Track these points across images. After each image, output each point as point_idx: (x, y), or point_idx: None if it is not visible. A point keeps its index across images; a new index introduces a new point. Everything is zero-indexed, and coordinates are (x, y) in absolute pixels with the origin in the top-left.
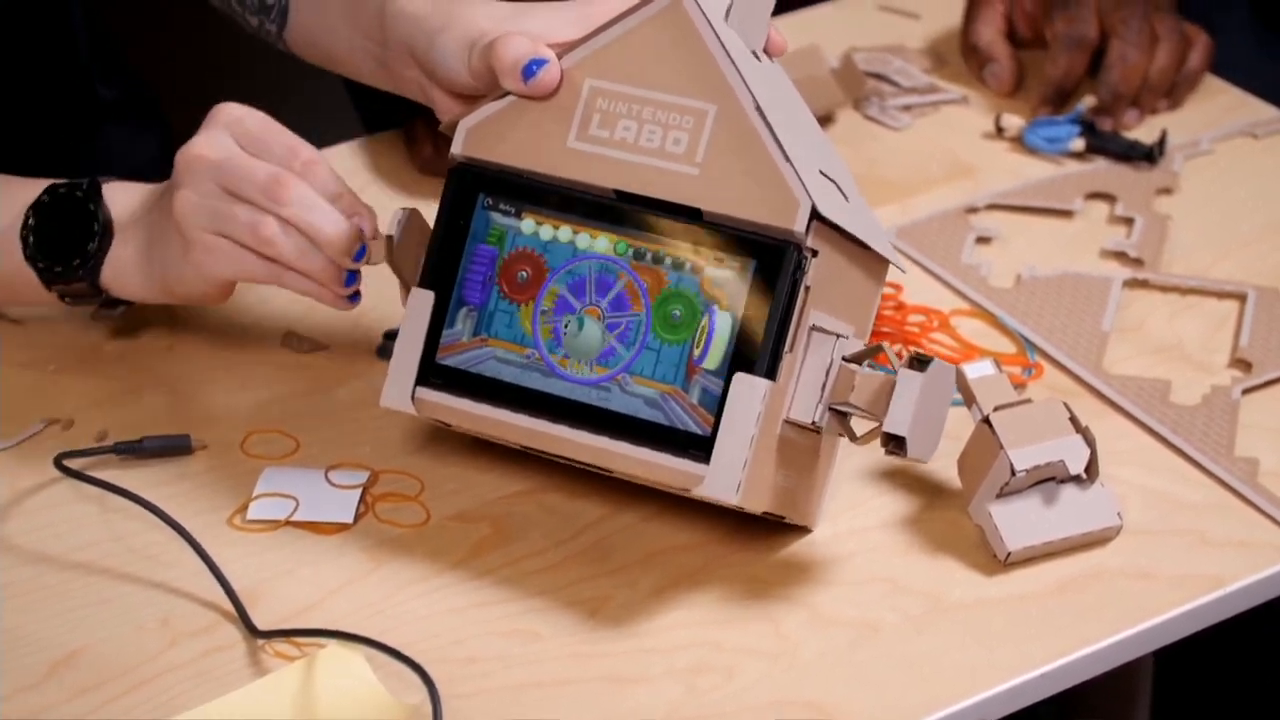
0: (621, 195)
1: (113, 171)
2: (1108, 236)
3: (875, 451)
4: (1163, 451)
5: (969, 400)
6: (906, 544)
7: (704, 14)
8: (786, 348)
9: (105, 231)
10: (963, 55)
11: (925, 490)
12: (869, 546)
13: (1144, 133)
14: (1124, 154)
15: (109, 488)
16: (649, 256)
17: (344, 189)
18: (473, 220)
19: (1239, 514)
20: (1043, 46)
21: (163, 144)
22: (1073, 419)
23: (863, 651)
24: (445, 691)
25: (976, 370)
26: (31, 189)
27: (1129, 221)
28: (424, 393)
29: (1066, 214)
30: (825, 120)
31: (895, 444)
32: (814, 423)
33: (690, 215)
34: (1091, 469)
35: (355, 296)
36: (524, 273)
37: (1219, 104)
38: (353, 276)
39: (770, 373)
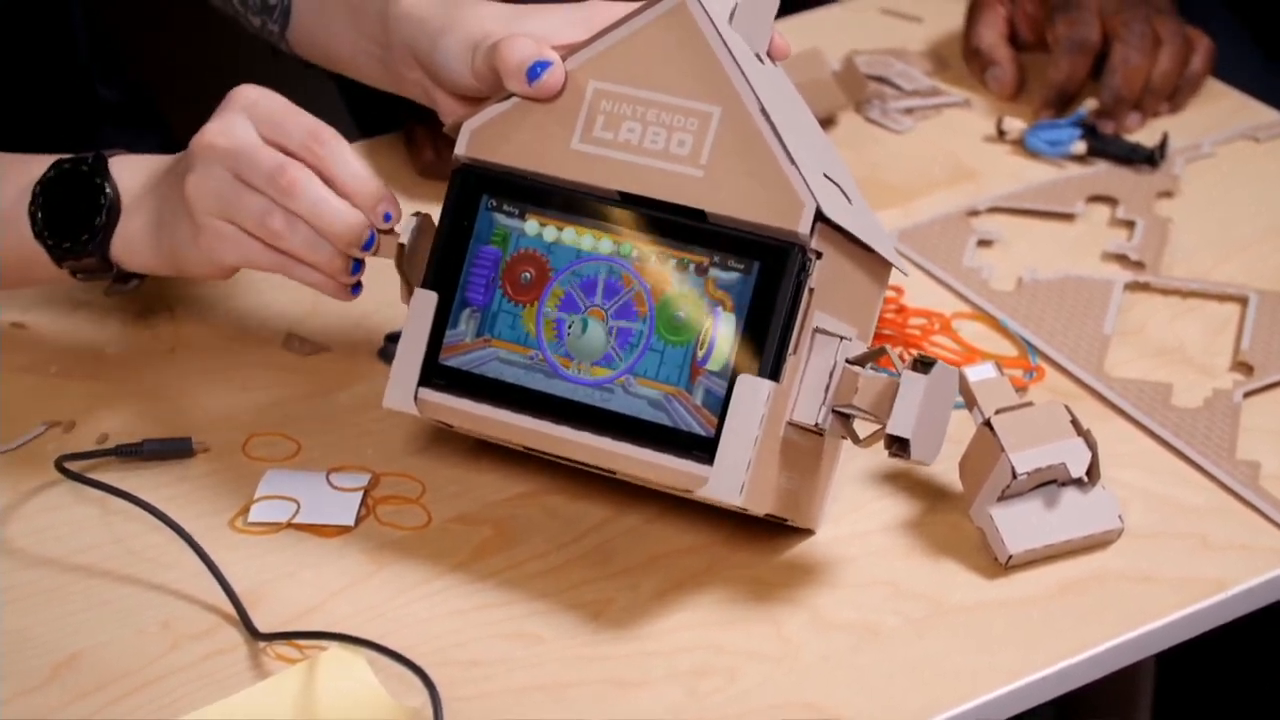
0: (625, 197)
1: None
2: (1109, 239)
3: (877, 454)
4: (1164, 454)
5: (970, 403)
6: (908, 547)
7: (708, 16)
8: (790, 349)
9: (113, 205)
10: (964, 58)
11: (927, 493)
12: (871, 549)
13: (1145, 136)
14: (1125, 157)
15: (110, 490)
16: (653, 258)
17: (365, 170)
18: (476, 221)
19: (1240, 517)
20: (1045, 50)
21: (163, 146)
22: (1074, 422)
23: (864, 654)
24: (446, 694)
25: (978, 373)
26: (37, 165)
27: (1130, 224)
28: (426, 393)
29: (1068, 217)
30: (827, 123)
31: (898, 446)
32: (817, 425)
33: (694, 217)
34: (1093, 472)
35: (357, 288)
36: (528, 274)
37: (1220, 107)
38: (358, 265)
39: (774, 374)
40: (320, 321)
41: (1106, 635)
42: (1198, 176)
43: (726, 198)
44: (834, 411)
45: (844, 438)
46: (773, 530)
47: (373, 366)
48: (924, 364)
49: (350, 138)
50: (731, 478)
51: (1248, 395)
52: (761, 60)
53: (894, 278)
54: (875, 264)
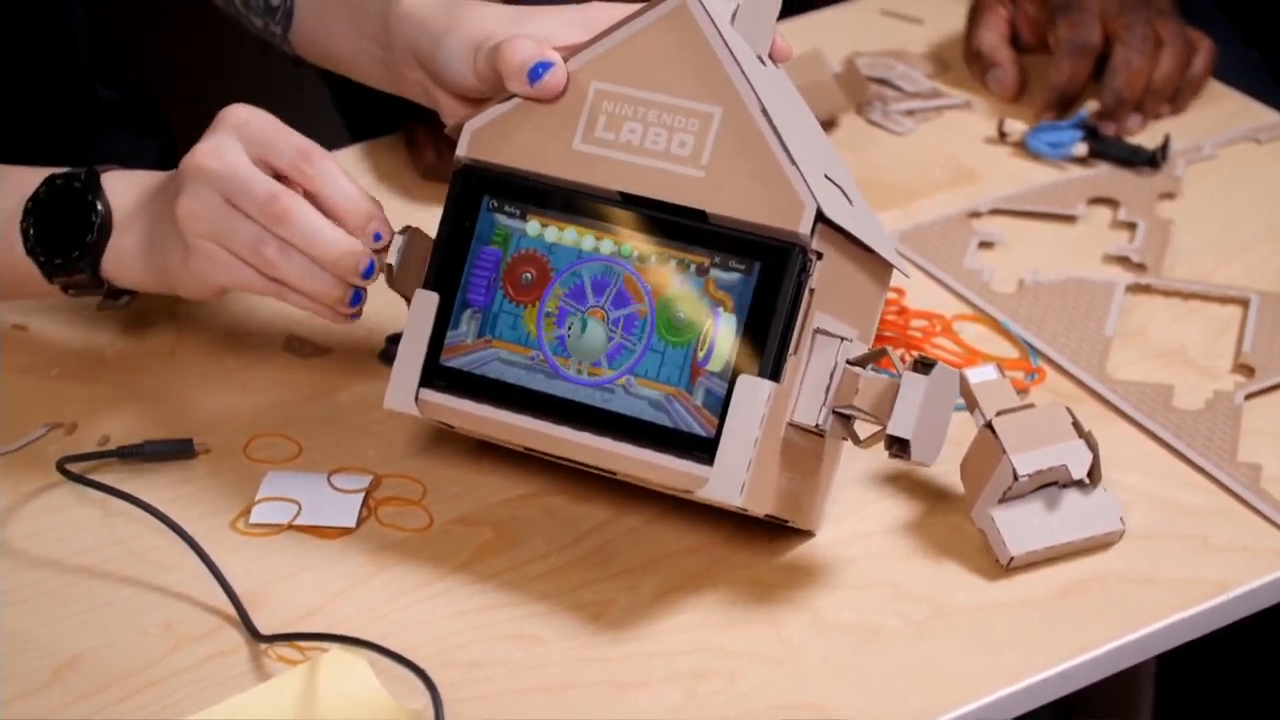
0: (627, 197)
1: None
2: (1110, 241)
3: (878, 455)
4: (1165, 456)
5: (972, 405)
6: (909, 548)
7: (710, 17)
8: (791, 350)
9: (104, 223)
10: (966, 60)
11: (928, 495)
12: (871, 551)
13: (1147, 138)
14: (1127, 159)
15: (111, 492)
16: (654, 258)
17: (358, 192)
18: (478, 222)
19: (1242, 519)
20: (1046, 51)
21: (163, 148)
22: (1075, 424)
23: (865, 656)
24: (447, 696)
25: (979, 375)
26: (31, 179)
27: (1132, 226)
28: (427, 394)
29: (1069, 219)
30: (828, 125)
31: (899, 447)
32: (818, 425)
33: (695, 217)
34: (1094, 474)
35: (356, 315)
36: (528, 274)
37: (1222, 109)
38: (358, 295)
39: (775, 375)
40: (321, 323)
41: (1108, 637)
42: (1199, 178)
43: (727, 198)
44: (834, 412)
45: (844, 439)
46: (773, 531)
47: (374, 368)
48: (925, 365)
49: (342, 141)
50: (732, 478)
51: (1249, 397)
52: (763, 62)
53: (895, 279)
54: (876, 265)
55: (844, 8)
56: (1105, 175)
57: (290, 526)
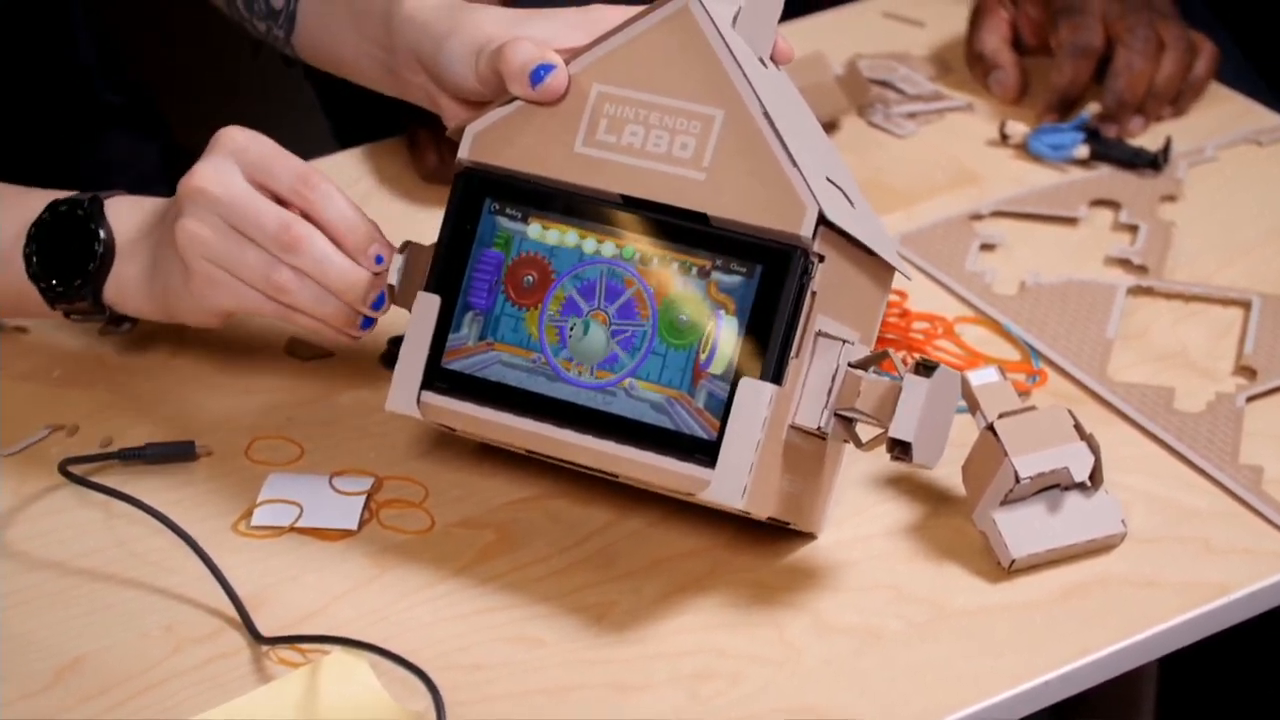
0: (628, 200)
1: (115, 178)
2: (1112, 243)
3: (879, 458)
4: (1167, 459)
5: (973, 407)
6: (911, 551)
7: (711, 20)
8: (793, 353)
9: (107, 251)
10: (967, 62)
11: (929, 497)
12: (873, 553)
13: (1149, 140)
14: (1128, 161)
15: (113, 494)
16: (655, 261)
17: (357, 215)
18: (479, 225)
19: (1243, 521)
20: (1048, 54)
21: (165, 151)
22: (1077, 426)
23: (867, 658)
24: (449, 698)
25: (981, 377)
26: (36, 201)
27: (1133, 229)
28: (429, 397)
29: (1071, 221)
30: (830, 127)
31: (901, 449)
32: (819, 428)
33: (697, 220)
34: (1096, 476)
35: (364, 334)
36: (530, 277)
37: (1224, 111)
38: (368, 321)
39: (777, 378)
40: None
41: (1109, 639)
42: (1201, 180)
43: (729, 201)
44: (836, 415)
45: (846, 441)
46: (775, 534)
47: (376, 371)
48: (926, 367)
49: (327, 147)
50: (734, 481)
51: (1251, 399)
52: (765, 64)
53: (897, 281)
54: (878, 268)
55: (846, 10)
56: (1107, 177)
57: (292, 529)
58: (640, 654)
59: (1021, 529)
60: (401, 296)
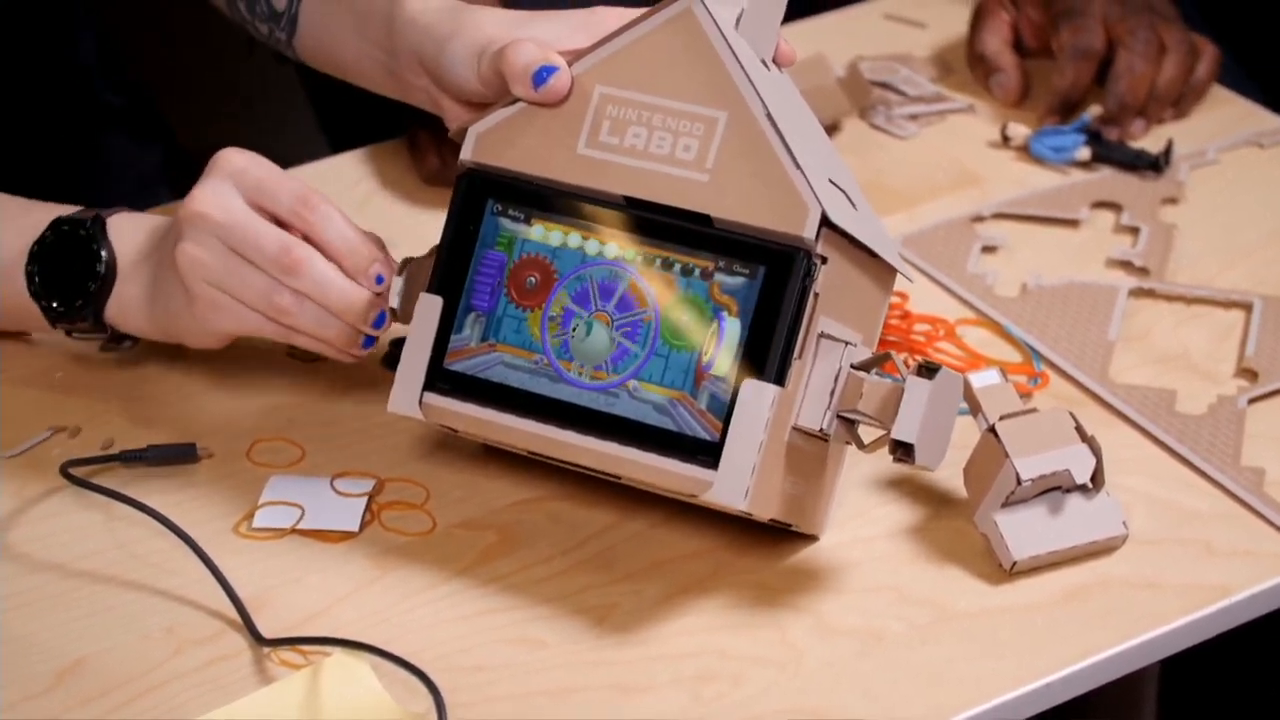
0: (631, 201)
1: (115, 179)
2: (1113, 246)
3: (881, 460)
4: (1168, 461)
5: (975, 409)
6: (912, 553)
7: (715, 21)
8: (795, 354)
9: (109, 272)
10: (969, 64)
11: (931, 499)
12: (875, 555)
13: (1150, 142)
14: (1130, 163)
15: (115, 496)
16: (658, 262)
17: (358, 235)
18: (482, 226)
19: (1245, 523)
20: (1049, 56)
21: (165, 152)
22: (1078, 428)
23: (869, 660)
24: (450, 700)
25: (982, 379)
26: (39, 216)
27: (1135, 231)
28: (431, 398)
29: (1072, 223)
30: (832, 129)
31: (903, 451)
32: (822, 430)
33: (700, 222)
34: (1097, 478)
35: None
36: (533, 278)
37: (1225, 114)
38: (370, 339)
39: (779, 379)
40: None
41: (1111, 641)
42: (1202, 183)
43: (732, 203)
44: (839, 417)
45: (848, 443)
46: (777, 536)
47: (377, 372)
48: (928, 369)
49: (318, 151)
50: (736, 483)
51: (1252, 401)
52: (767, 66)
53: (899, 283)
54: (880, 269)
55: (848, 12)
56: (1108, 179)
57: (293, 530)
58: (642, 656)
59: (1023, 531)
60: (403, 314)
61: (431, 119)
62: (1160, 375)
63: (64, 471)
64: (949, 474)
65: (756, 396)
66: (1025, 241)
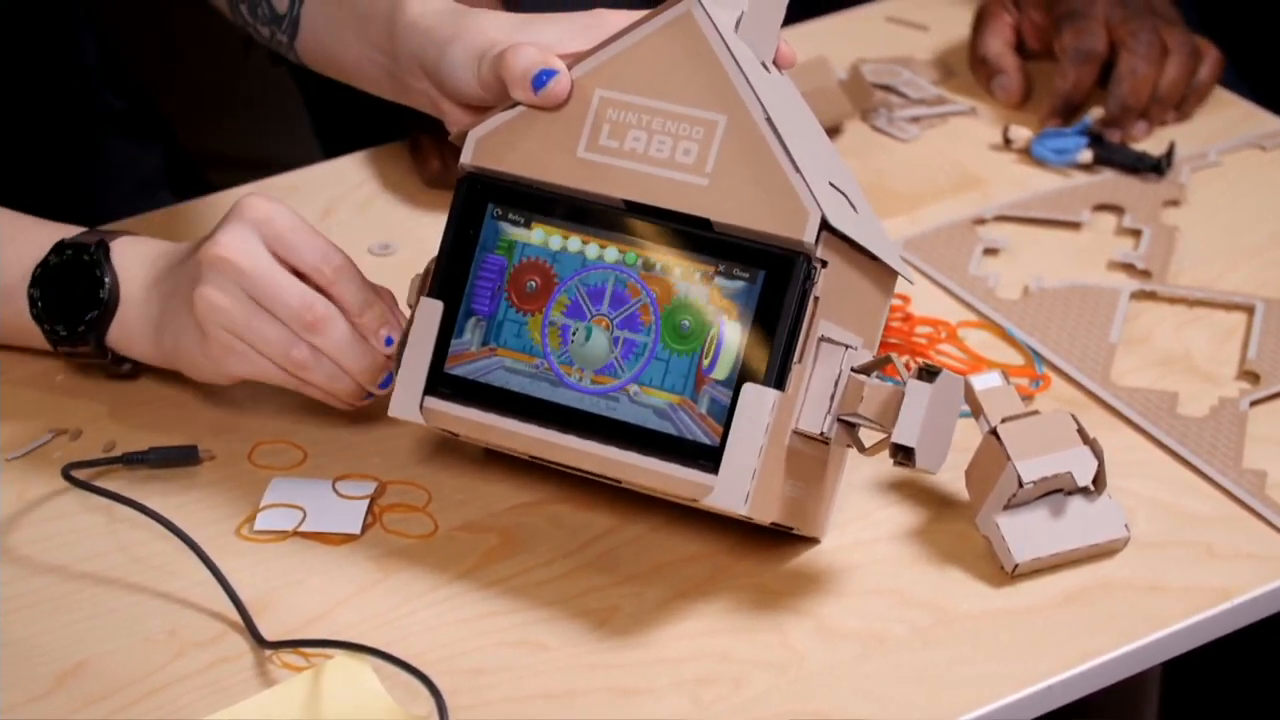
0: (631, 205)
1: (116, 181)
2: (1115, 248)
3: (883, 463)
4: (1170, 463)
5: (976, 412)
6: (914, 555)
7: (714, 25)
8: (795, 358)
9: (111, 298)
10: (971, 67)
11: (933, 502)
12: (876, 558)
13: (1152, 144)
14: (1132, 166)
15: (116, 498)
16: (658, 266)
17: (371, 296)
18: (482, 230)
19: (1247, 526)
20: (1051, 58)
21: (166, 154)
22: (1080, 430)
23: (870, 663)
24: (452, 702)
25: (984, 382)
26: (43, 237)
27: (1137, 233)
28: (432, 402)
29: (1074, 225)
30: (833, 132)
31: (904, 455)
32: (822, 433)
33: (700, 226)
34: (1099, 481)
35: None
36: (533, 283)
37: (1227, 116)
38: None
39: (779, 383)
40: None
41: (1113, 644)
42: (1204, 185)
43: (732, 206)
44: (839, 420)
45: (849, 446)
46: (778, 539)
47: None
48: (929, 372)
49: (312, 154)
50: (737, 486)
51: (1254, 404)
52: (767, 69)
53: (900, 286)
54: (881, 272)
55: (849, 14)
56: (1110, 182)
57: (295, 533)
58: (643, 659)
59: (1025, 533)
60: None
61: (433, 122)
62: (1162, 378)
63: (66, 474)
64: (950, 476)
65: (757, 400)
66: (1027, 244)
